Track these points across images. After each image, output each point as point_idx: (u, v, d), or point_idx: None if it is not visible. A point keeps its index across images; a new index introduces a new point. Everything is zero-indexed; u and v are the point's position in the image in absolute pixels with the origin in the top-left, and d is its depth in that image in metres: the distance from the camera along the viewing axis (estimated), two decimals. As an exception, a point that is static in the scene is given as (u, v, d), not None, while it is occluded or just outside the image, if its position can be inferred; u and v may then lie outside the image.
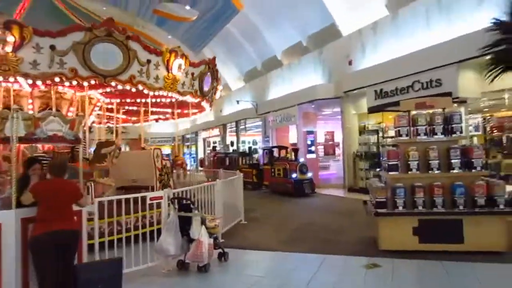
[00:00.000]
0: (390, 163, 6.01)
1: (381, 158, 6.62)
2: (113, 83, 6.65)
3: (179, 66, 7.52)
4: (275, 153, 16.11)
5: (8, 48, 5.79)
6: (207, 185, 7.18)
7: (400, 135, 6.15)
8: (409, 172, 5.89)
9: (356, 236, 7.00)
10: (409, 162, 5.91)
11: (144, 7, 20.30)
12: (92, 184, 6.97)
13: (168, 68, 7.30)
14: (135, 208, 5.61)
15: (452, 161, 5.79)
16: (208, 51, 27.07)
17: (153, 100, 9.25)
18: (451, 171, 5.78)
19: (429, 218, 5.69)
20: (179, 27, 23.72)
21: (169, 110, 11.36)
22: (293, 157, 14.89)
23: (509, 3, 8.09)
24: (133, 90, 7.06)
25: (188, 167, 17.47)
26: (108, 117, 12.14)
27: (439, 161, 5.82)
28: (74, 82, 6.36)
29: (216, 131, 28.67)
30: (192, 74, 8.17)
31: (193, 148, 34.61)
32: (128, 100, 10.15)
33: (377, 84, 12.60)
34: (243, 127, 24.67)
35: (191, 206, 5.38)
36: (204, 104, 9.70)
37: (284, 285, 4.67)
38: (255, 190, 15.74)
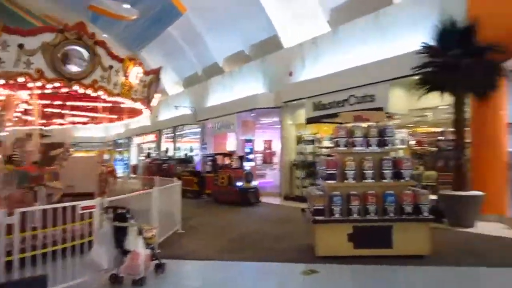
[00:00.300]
0: (328, 172, 6.25)
1: (320, 167, 6.86)
2: (75, 87, 6.52)
3: (137, 74, 7.61)
4: (219, 161, 15.58)
5: None
6: (143, 193, 6.88)
7: (338, 146, 6.41)
8: (346, 181, 6.16)
9: (294, 244, 7.14)
10: (345, 172, 6.18)
11: (78, 2, 19.24)
12: (43, 188, 6.58)
13: (126, 75, 7.31)
14: (64, 218, 5.09)
15: (384, 171, 6.17)
16: (145, 53, 26.30)
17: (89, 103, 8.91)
18: (383, 180, 6.14)
19: (363, 225, 5.98)
20: (114, 25, 22.75)
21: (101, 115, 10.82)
22: (238, 164, 14.46)
23: (437, 30, 8.89)
24: (93, 94, 7.00)
25: (119, 174, 16.70)
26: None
27: (373, 171, 6.16)
28: (38, 83, 6.23)
29: (151, 137, 27.70)
30: (144, 82, 8.18)
31: (126, 154, 33.11)
32: (58, 103, 9.50)
33: (315, 96, 13.11)
34: (181, 133, 24.20)
35: (127, 215, 5.08)
36: (144, 109, 9.46)
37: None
38: (196, 198, 15.25)
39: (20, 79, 6.00)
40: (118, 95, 7.32)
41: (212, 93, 21.03)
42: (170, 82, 26.63)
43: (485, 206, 8.37)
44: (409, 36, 10.61)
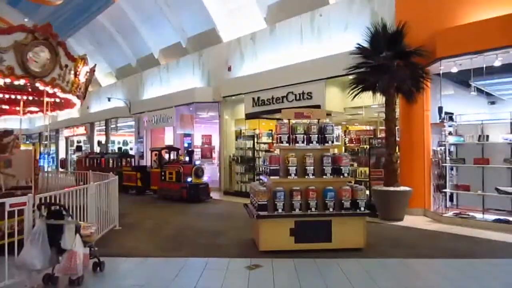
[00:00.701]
0: (271, 168, 6.32)
1: (263, 163, 6.91)
2: (37, 84, 6.82)
3: (86, 73, 8.01)
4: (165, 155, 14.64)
5: None
6: (78, 188, 6.47)
7: (281, 142, 6.51)
8: (289, 177, 6.29)
9: (236, 239, 7.15)
10: (288, 168, 6.30)
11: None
12: (1, 176, 6.63)
13: (76, 74, 7.60)
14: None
15: (325, 167, 6.38)
16: (74, 41, 24.69)
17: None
18: (324, 176, 6.36)
19: (304, 219, 6.15)
20: (37, 10, 21.05)
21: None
22: (187, 159, 13.89)
23: (369, 33, 9.36)
24: (50, 91, 7.30)
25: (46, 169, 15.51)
26: None
27: (314, 167, 6.34)
28: (7, 80, 6.49)
29: (81, 129, 26.08)
30: (86, 79, 8.45)
31: (53, 148, 30.85)
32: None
33: (254, 92, 13.21)
34: (114, 126, 23.06)
35: (63, 212, 4.75)
36: (77, 101, 9.02)
37: (169, 293, 4.48)
38: (139, 195, 14.62)
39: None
40: (69, 92, 7.64)
41: (148, 86, 20.31)
42: (101, 73, 25.22)
43: (412, 201, 9.05)
44: (344, 37, 11.08)
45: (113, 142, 24.09)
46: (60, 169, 25.39)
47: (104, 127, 23.67)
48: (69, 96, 7.89)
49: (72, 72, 7.55)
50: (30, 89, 8.55)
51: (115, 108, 21.65)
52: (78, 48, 23.60)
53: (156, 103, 18.04)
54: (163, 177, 13.49)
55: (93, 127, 24.86)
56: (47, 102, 9.27)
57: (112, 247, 6.45)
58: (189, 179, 12.40)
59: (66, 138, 29.01)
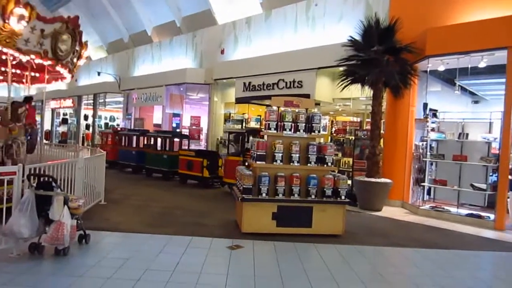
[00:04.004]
0: (258, 153, 6.51)
1: (251, 147, 7.10)
2: (57, 67, 7.17)
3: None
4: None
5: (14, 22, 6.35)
6: (66, 162, 6.57)
7: (269, 128, 6.68)
8: (274, 163, 6.48)
9: (220, 219, 7.38)
10: (275, 154, 6.49)
11: None
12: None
13: (79, 57, 7.40)
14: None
15: (310, 156, 6.59)
16: (65, 11, 24.15)
17: None
18: (308, 164, 6.58)
19: (286, 205, 6.38)
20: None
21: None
22: None
23: (362, 26, 9.50)
24: (62, 71, 7.40)
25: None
26: None
27: (299, 155, 6.55)
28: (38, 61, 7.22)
29: (69, 102, 25.75)
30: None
31: (38, 119, 30.40)
32: None
33: (246, 76, 13.29)
34: (103, 101, 22.87)
35: (53, 184, 4.88)
36: (62, 70, 8.80)
37: (153, 267, 4.65)
38: (204, 187, 11.41)
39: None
40: (71, 72, 7.55)
41: (139, 63, 20.15)
42: (92, 46, 24.79)
43: (391, 192, 9.38)
44: (337, 28, 11.21)
45: (100, 117, 23.90)
46: (44, 141, 25.07)
47: (91, 101, 23.43)
48: (64, 71, 8.09)
49: (77, 55, 7.98)
50: (35, 67, 8.58)
51: (104, 83, 21.44)
52: (69, 19, 23.15)
53: (147, 80, 17.96)
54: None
55: (80, 101, 24.59)
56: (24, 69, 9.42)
57: (97, 221, 6.59)
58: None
59: (52, 110, 28.61)
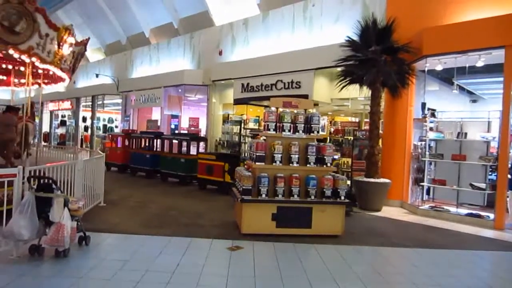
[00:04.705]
0: (257, 154, 6.51)
1: (250, 148, 7.10)
2: (10, 51, 6.72)
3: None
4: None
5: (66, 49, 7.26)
6: (66, 164, 6.57)
7: (269, 129, 6.68)
8: (273, 164, 6.49)
9: (219, 221, 7.37)
10: (274, 155, 6.49)
11: None
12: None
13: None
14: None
15: (309, 156, 6.60)
16: (62, 14, 24.18)
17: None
18: (307, 165, 6.58)
19: (286, 205, 6.38)
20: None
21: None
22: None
23: (360, 26, 9.53)
24: (27, 60, 7.25)
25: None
26: None
27: (298, 156, 6.55)
28: None
29: (67, 104, 25.71)
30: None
31: (36, 121, 30.28)
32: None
33: (244, 77, 13.31)
34: (101, 103, 22.87)
35: (53, 186, 4.88)
36: (62, 74, 8.96)
37: (153, 268, 4.65)
38: (224, 194, 10.18)
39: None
40: (50, 63, 7.44)
41: (137, 64, 20.14)
42: (90, 48, 24.72)
43: (390, 192, 9.40)
44: (334, 28, 11.24)
45: (98, 118, 23.90)
46: (43, 143, 25.04)
47: (90, 103, 23.41)
48: (50, 67, 7.70)
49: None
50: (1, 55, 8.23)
51: (102, 84, 21.44)
52: (66, 21, 23.10)
53: (145, 82, 17.96)
54: None
55: (79, 102, 24.57)
56: (34, 75, 9.32)
57: (97, 223, 6.59)
58: None
59: (51, 112, 28.57)
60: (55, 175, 5.95)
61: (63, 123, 27.09)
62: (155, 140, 13.68)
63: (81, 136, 24.44)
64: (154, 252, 5.26)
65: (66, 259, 4.74)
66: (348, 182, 8.22)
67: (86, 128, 24.25)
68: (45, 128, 28.88)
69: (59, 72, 8.06)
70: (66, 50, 7.64)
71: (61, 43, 7.39)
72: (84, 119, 24.24)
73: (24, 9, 6.47)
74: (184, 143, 12.42)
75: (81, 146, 22.58)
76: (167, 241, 5.83)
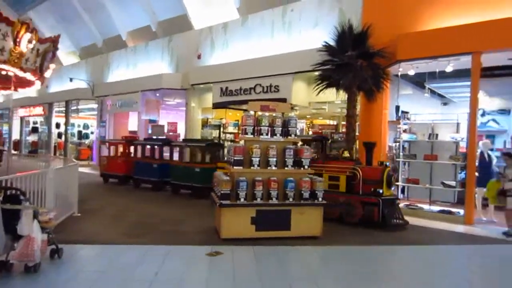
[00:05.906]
0: (235, 158, 6.54)
1: (228, 153, 7.12)
2: None
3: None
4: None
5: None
6: (36, 173, 6.38)
7: (246, 133, 6.72)
8: (252, 168, 6.52)
9: (197, 227, 7.34)
10: (252, 158, 6.53)
11: None
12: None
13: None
14: None
15: (287, 159, 6.67)
16: (35, 15, 23.56)
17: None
18: (285, 168, 6.65)
19: (265, 209, 6.43)
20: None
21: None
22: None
23: (337, 32, 9.72)
24: None
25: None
26: None
27: (276, 159, 6.62)
28: None
29: (39, 110, 24.78)
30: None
31: (6, 127, 28.94)
32: None
33: (223, 81, 13.32)
34: (75, 108, 22.30)
35: (21, 197, 4.66)
36: (36, 80, 8.72)
37: (130, 279, 4.54)
38: None
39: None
40: (4, 62, 6.83)
41: (114, 68, 19.84)
42: (64, 51, 24.23)
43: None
44: (313, 33, 11.41)
45: (72, 125, 23.28)
46: (14, 151, 24.15)
47: (63, 109, 22.73)
48: (6, 66, 7.14)
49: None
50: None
51: (77, 89, 20.91)
52: (39, 23, 22.56)
53: (122, 86, 17.69)
54: None
55: (51, 108, 23.78)
56: (5, 78, 8.89)
57: (70, 234, 6.39)
58: (380, 191, 7.68)
59: (21, 118, 27.53)
60: (25, 185, 5.72)
61: (34, 130, 26.10)
62: (163, 148, 12.30)
63: (55, 143, 23.72)
64: (132, 261, 5.14)
65: (36, 274, 4.48)
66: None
67: (59, 135, 23.51)
68: (15, 135, 27.78)
69: (19, 73, 7.45)
70: (24, 47, 7.01)
71: (17, 40, 6.82)
72: (58, 126, 23.51)
73: None
74: (198, 150, 11.10)
75: (55, 154, 21.96)
76: (145, 250, 5.72)
